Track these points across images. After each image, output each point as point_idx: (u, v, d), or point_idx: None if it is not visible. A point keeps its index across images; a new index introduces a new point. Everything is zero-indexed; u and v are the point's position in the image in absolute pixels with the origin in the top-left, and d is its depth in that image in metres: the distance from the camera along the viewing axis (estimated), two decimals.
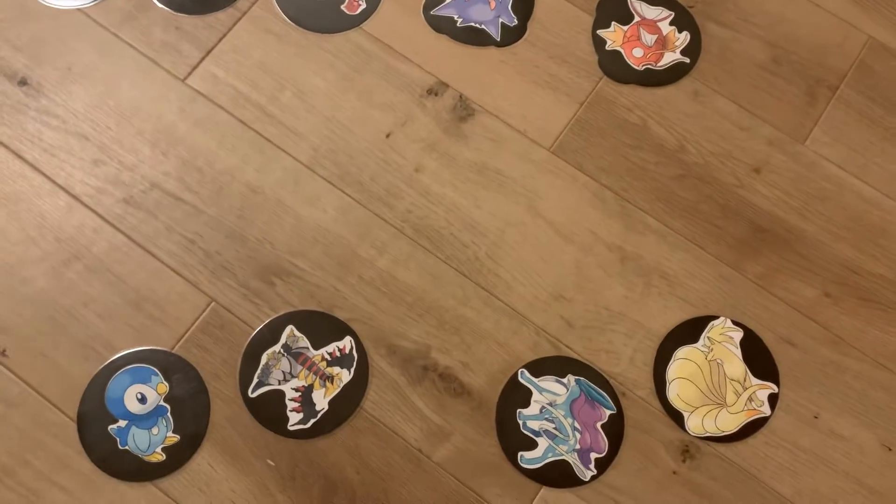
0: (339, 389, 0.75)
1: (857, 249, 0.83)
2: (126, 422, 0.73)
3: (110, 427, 0.73)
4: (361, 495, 0.73)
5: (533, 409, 0.75)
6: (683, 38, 0.90)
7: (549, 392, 0.76)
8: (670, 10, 0.91)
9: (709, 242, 0.82)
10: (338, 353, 0.76)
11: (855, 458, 0.75)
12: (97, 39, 0.87)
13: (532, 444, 0.74)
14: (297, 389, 0.75)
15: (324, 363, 0.76)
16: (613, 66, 0.88)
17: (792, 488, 0.74)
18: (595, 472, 0.74)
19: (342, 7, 0.89)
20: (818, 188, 0.85)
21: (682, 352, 0.78)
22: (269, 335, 0.76)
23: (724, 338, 0.78)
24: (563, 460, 0.74)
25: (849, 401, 0.77)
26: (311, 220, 0.81)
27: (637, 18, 0.91)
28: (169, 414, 0.74)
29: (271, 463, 0.73)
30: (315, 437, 0.74)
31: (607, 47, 0.89)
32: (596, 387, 0.76)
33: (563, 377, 0.76)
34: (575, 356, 0.77)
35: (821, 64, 0.90)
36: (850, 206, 0.84)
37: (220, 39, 0.87)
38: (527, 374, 0.76)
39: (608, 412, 0.75)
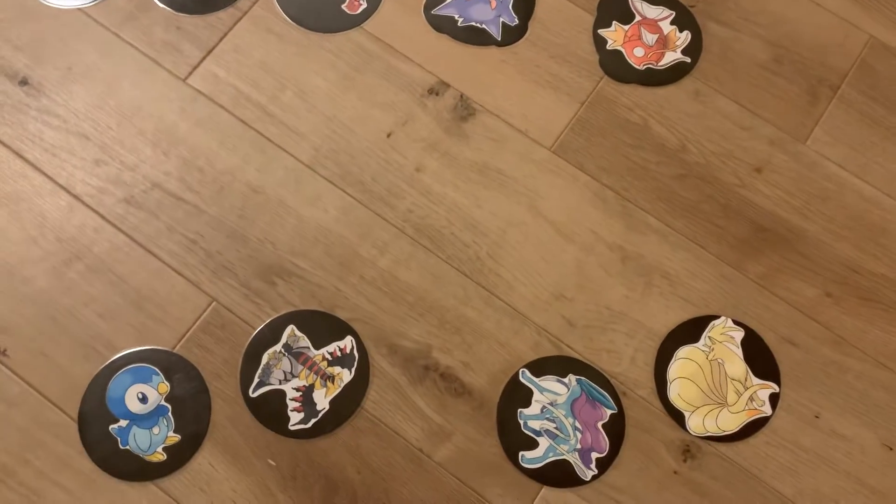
0: (339, 389, 0.75)
1: (858, 249, 0.83)
2: (127, 421, 0.73)
3: (111, 427, 0.73)
4: (362, 495, 0.73)
5: (534, 408, 0.75)
6: (684, 37, 0.90)
7: (550, 392, 0.76)
8: (671, 9, 0.91)
9: (710, 242, 0.82)
10: (339, 353, 0.76)
11: (856, 458, 0.75)
12: (98, 39, 0.87)
13: (533, 444, 0.74)
14: (297, 389, 0.75)
15: (325, 363, 0.76)
16: (614, 65, 0.88)
17: (793, 488, 0.74)
18: (596, 471, 0.74)
19: (343, 6, 0.89)
20: (819, 188, 0.85)
21: (683, 351, 0.78)
22: (270, 335, 0.76)
23: (725, 337, 0.78)
24: (564, 460, 0.74)
25: (850, 401, 0.77)
26: (312, 220, 0.81)
27: (638, 18, 0.91)
28: (170, 414, 0.74)
29: (272, 463, 0.73)
30: (316, 437, 0.74)
31: (608, 47, 0.89)
32: (597, 386, 0.76)
33: (564, 377, 0.76)
34: (576, 356, 0.77)
35: (822, 63, 0.90)
36: (852, 206, 0.84)
37: (221, 39, 0.87)
38: (528, 373, 0.76)
39: (609, 412, 0.75)
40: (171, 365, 0.75)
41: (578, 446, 0.74)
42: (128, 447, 0.73)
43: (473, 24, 0.89)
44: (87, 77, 0.85)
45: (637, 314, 0.79)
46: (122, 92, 0.85)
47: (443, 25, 0.89)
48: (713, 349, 0.78)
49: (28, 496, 0.71)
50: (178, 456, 0.73)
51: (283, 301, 0.78)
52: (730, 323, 0.79)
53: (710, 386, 0.77)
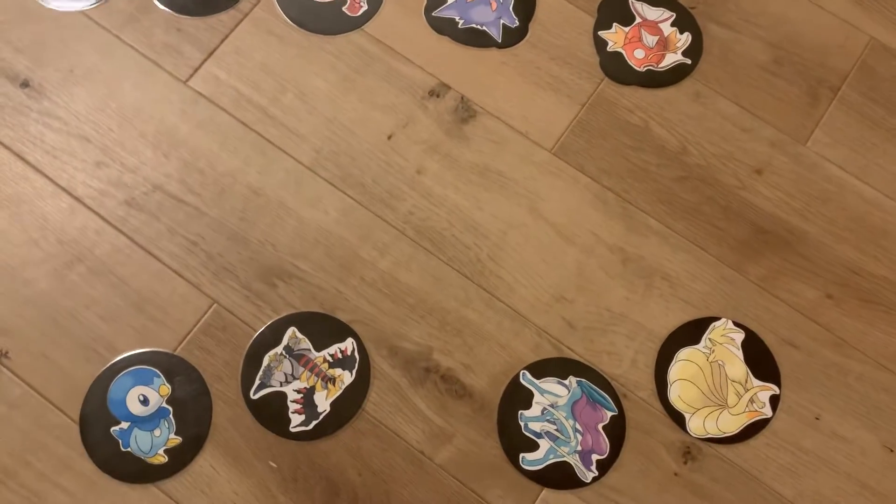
0: (340, 391, 0.75)
1: (858, 251, 0.83)
2: (128, 423, 0.73)
3: (112, 429, 0.73)
4: (363, 497, 0.73)
5: (534, 410, 0.75)
6: (685, 39, 0.90)
7: (551, 394, 0.76)
8: (672, 11, 0.91)
9: (710, 244, 0.82)
10: (339, 355, 0.76)
11: (857, 460, 0.75)
12: (99, 41, 0.87)
13: (533, 446, 0.74)
14: (298, 391, 0.75)
15: (325, 365, 0.76)
16: (615, 67, 0.88)
17: (793, 490, 0.74)
18: (596, 473, 0.74)
19: (344, 9, 0.89)
20: (820, 189, 0.85)
21: (684, 353, 0.78)
22: (271, 337, 0.77)
23: (725, 339, 0.78)
24: (565, 462, 0.74)
25: (851, 402, 0.77)
26: (312, 222, 0.81)
27: (638, 19, 0.91)
28: (171, 416, 0.74)
29: (273, 465, 0.73)
30: (317, 439, 0.74)
31: (609, 48, 0.89)
32: (597, 388, 0.76)
33: (565, 379, 0.76)
34: (576, 358, 0.77)
35: (822, 65, 0.90)
36: (852, 208, 0.84)
37: (222, 41, 0.87)
38: (528, 375, 0.76)
39: (609, 414, 0.75)
40: (172, 367, 0.75)
41: (579, 448, 0.74)
42: (129, 449, 0.73)
43: (474, 25, 0.89)
44: (88, 79, 0.85)
45: (637, 316, 0.79)
46: (123, 94, 0.85)
47: (443, 27, 0.89)
48: (714, 351, 0.78)
49: (29, 498, 0.71)
50: (180, 458, 0.73)
51: (284, 303, 0.78)
52: (730, 325, 0.79)
53: (711, 388, 0.77)
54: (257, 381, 0.75)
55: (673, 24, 0.90)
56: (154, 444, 0.73)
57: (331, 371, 0.76)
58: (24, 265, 0.78)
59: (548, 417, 0.75)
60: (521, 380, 0.76)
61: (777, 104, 0.88)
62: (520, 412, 0.75)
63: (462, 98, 0.86)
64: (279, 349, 0.76)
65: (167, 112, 0.84)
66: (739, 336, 0.78)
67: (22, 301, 0.77)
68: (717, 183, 0.84)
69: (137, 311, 0.77)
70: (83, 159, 0.82)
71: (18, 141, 0.82)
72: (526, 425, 0.75)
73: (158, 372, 0.75)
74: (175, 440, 0.73)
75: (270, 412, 0.74)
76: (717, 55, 0.90)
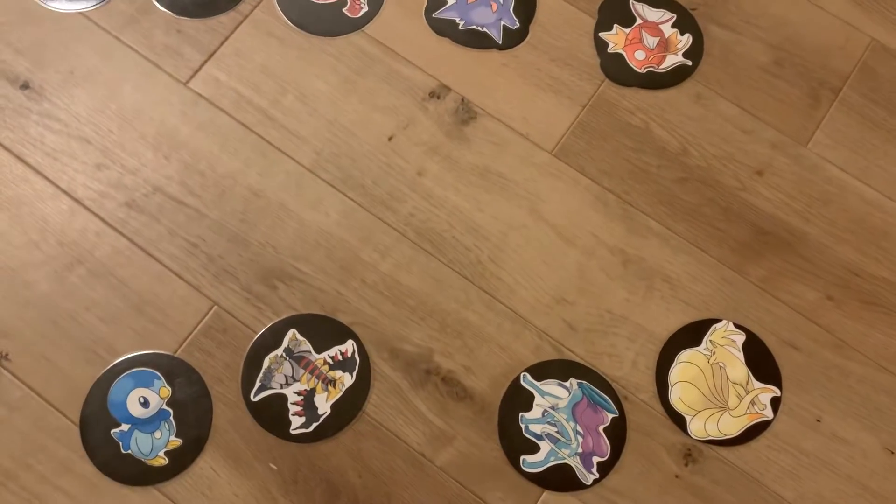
0: (341, 393, 0.75)
1: (859, 252, 0.83)
2: (129, 426, 0.73)
3: (113, 431, 0.73)
4: (364, 499, 0.73)
5: (535, 412, 0.75)
6: (686, 40, 0.90)
7: (552, 396, 0.76)
8: (672, 12, 0.91)
9: (711, 245, 0.82)
10: (340, 357, 0.76)
11: (858, 462, 0.75)
12: (99, 43, 0.87)
13: (534, 448, 0.74)
14: (299, 393, 0.75)
15: (326, 367, 0.76)
16: (615, 68, 0.88)
17: (794, 492, 0.74)
18: (597, 475, 0.74)
19: (344, 10, 0.89)
20: (821, 191, 0.85)
21: (685, 355, 0.78)
22: (272, 339, 0.76)
23: (726, 341, 0.78)
24: (566, 464, 0.74)
25: (852, 404, 0.77)
26: (313, 224, 0.81)
27: (639, 21, 0.91)
28: (171, 418, 0.74)
29: (274, 467, 0.73)
30: (317, 441, 0.74)
31: (609, 50, 0.89)
32: (598, 390, 0.76)
33: (566, 381, 0.76)
34: (577, 360, 0.77)
35: (823, 66, 0.90)
36: (853, 209, 0.84)
37: (223, 43, 0.87)
38: (529, 377, 0.76)
39: (610, 416, 0.75)
40: (172, 369, 0.75)
41: (580, 450, 0.74)
42: (129, 451, 0.73)
43: (474, 27, 0.89)
44: (89, 81, 0.85)
45: (638, 318, 0.79)
46: (124, 96, 0.85)
47: (444, 29, 0.89)
48: (714, 353, 0.78)
49: (30, 500, 0.71)
50: (180, 460, 0.73)
51: (285, 305, 0.78)
52: (731, 326, 0.79)
53: (712, 390, 0.77)
54: (258, 383, 0.75)
55: (674, 26, 0.90)
56: (154, 446, 0.73)
57: (331, 373, 0.76)
58: (24, 267, 0.78)
59: (548, 419, 0.75)
60: (522, 382, 0.76)
61: (778, 106, 0.88)
62: (520, 414, 0.75)
63: (462, 100, 0.86)
64: (280, 351, 0.76)
65: (167, 114, 0.84)
66: (740, 338, 0.78)
67: (22, 303, 0.77)
68: (717, 184, 0.84)
69: (138, 313, 0.77)
70: (83, 161, 0.82)
71: (19, 143, 0.82)
72: (526, 427, 0.75)
73: (159, 374, 0.75)
74: (175, 442, 0.73)
75: (271, 414, 0.74)
76: (717, 56, 0.90)
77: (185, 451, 0.73)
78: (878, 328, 0.80)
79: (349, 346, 0.76)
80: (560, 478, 0.73)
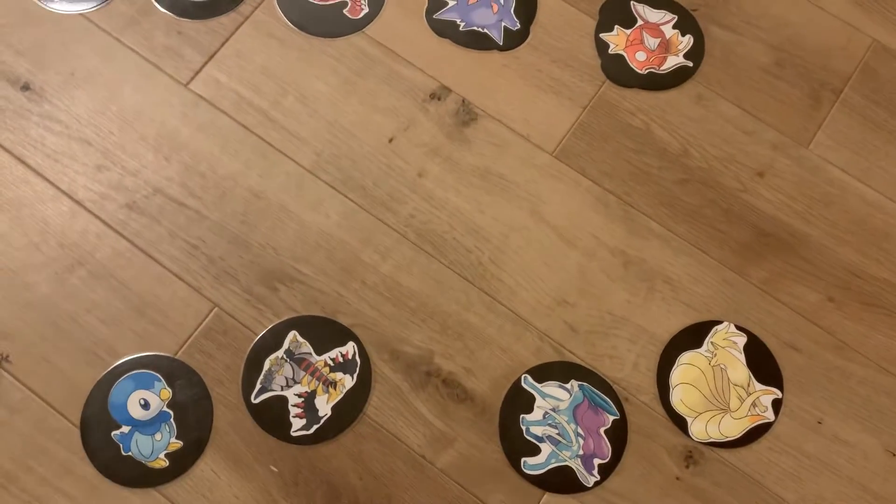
0: (341, 395, 0.75)
1: (860, 254, 0.83)
2: (129, 428, 0.73)
3: (113, 433, 0.73)
4: (364, 501, 0.73)
5: (536, 414, 0.75)
6: (687, 41, 0.90)
7: (553, 398, 0.76)
8: (673, 13, 0.91)
9: (712, 247, 0.82)
10: (340, 359, 0.76)
11: (859, 464, 0.75)
12: (100, 44, 0.87)
13: (535, 450, 0.74)
14: (299, 395, 0.75)
15: (327, 369, 0.76)
16: (616, 69, 0.88)
17: (796, 494, 0.74)
18: (598, 477, 0.74)
19: (345, 11, 0.89)
20: (822, 192, 0.85)
21: (686, 357, 0.78)
22: (272, 341, 0.76)
23: (727, 343, 0.78)
24: (567, 466, 0.74)
25: (853, 406, 0.77)
26: (314, 226, 0.81)
27: (640, 22, 0.90)
28: (172, 420, 0.74)
29: (274, 469, 0.73)
30: (318, 443, 0.74)
31: (610, 51, 0.89)
32: (599, 392, 0.76)
33: (567, 382, 0.76)
34: (578, 361, 0.77)
35: (825, 67, 0.90)
36: (854, 210, 0.84)
37: (223, 44, 0.87)
38: (530, 379, 0.76)
39: (611, 418, 0.75)
40: (173, 371, 0.75)
41: (581, 452, 0.74)
42: (130, 453, 0.73)
43: (475, 28, 0.89)
44: (89, 82, 0.85)
45: (639, 319, 0.79)
46: (124, 97, 0.85)
47: (445, 30, 0.89)
48: (715, 354, 0.78)
49: (30, 503, 0.71)
50: (181, 462, 0.73)
51: (285, 307, 0.78)
52: (732, 328, 0.79)
53: (713, 391, 0.76)
54: (258, 385, 0.75)
55: (675, 27, 0.90)
56: (155, 448, 0.73)
57: (332, 375, 0.75)
58: (24, 269, 0.78)
59: (549, 421, 0.75)
60: (523, 384, 0.76)
61: (779, 106, 0.88)
62: (521, 416, 0.75)
63: (463, 101, 0.86)
64: (280, 353, 0.76)
65: (168, 115, 0.84)
66: (741, 339, 0.78)
67: (23, 305, 0.77)
68: (718, 186, 0.84)
69: (138, 314, 0.77)
70: (84, 163, 0.82)
71: (19, 144, 0.82)
72: (527, 429, 0.75)
73: (159, 376, 0.75)
74: (176, 444, 0.73)
75: (271, 416, 0.74)
76: (718, 57, 0.89)
77: (186, 453, 0.73)
78: (879, 330, 0.80)
79: (350, 348, 0.76)
80: (561, 480, 0.73)
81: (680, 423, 0.75)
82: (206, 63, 0.86)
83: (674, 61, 0.89)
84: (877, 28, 0.92)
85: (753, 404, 0.76)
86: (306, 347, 0.76)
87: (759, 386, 0.77)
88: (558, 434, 0.75)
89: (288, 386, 0.75)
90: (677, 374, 0.77)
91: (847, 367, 0.78)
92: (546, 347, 0.78)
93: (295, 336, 0.76)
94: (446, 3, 0.90)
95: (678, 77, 0.88)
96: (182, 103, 0.85)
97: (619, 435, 0.75)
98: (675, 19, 0.91)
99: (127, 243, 0.79)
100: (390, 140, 0.84)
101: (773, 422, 0.76)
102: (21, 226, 0.79)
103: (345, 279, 0.79)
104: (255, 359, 0.76)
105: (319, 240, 0.80)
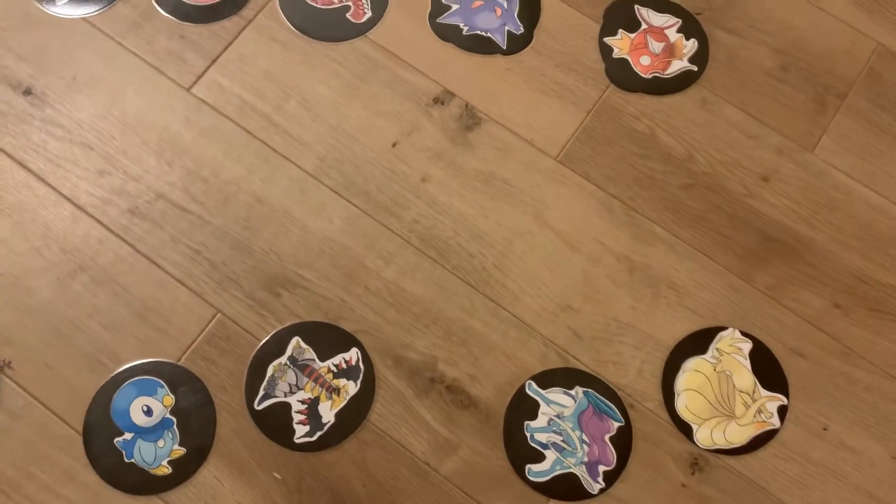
0: (345, 402, 0.75)
1: (866, 259, 0.82)
2: (132, 434, 0.73)
3: (116, 440, 0.73)
4: None
5: (541, 421, 0.75)
6: (691, 45, 0.89)
7: (557, 404, 0.75)
8: (677, 17, 0.90)
9: (717, 252, 0.82)
10: (344, 365, 0.76)
11: (865, 471, 0.75)
12: (102, 48, 0.86)
13: (540, 457, 0.74)
14: (303, 402, 0.74)
15: (330, 375, 0.75)
16: (620, 74, 0.88)
17: (802, 501, 0.74)
18: (603, 484, 0.73)
19: (348, 15, 0.89)
20: (827, 197, 0.84)
21: (691, 363, 0.77)
22: (276, 347, 0.76)
23: (732, 349, 0.78)
24: (572, 473, 0.73)
25: (859, 413, 0.77)
26: (317, 231, 0.80)
27: (644, 26, 0.90)
28: (175, 426, 0.73)
29: (278, 476, 0.73)
30: (321, 450, 0.73)
31: (614, 55, 0.89)
32: (604, 399, 0.76)
33: (571, 389, 0.76)
34: (583, 368, 0.77)
35: (829, 71, 0.89)
36: (859, 215, 0.84)
37: (226, 48, 0.87)
38: (534, 385, 0.76)
39: (616, 424, 0.75)
40: (175, 377, 0.75)
41: (586, 459, 0.74)
42: (133, 460, 0.72)
43: (479, 32, 0.89)
44: (91, 87, 0.85)
45: (644, 325, 0.79)
46: (126, 102, 0.84)
47: (448, 34, 0.88)
48: (721, 361, 0.77)
49: None
50: (184, 469, 0.72)
51: (289, 312, 0.77)
52: (737, 334, 0.78)
53: (718, 398, 0.76)
54: (261, 392, 0.75)
55: (679, 31, 0.90)
56: (158, 455, 0.72)
57: (335, 381, 0.75)
58: (26, 274, 0.78)
59: (554, 428, 0.75)
60: (527, 390, 0.76)
61: (784, 111, 0.87)
62: (526, 423, 0.75)
63: (467, 105, 0.86)
64: (283, 359, 0.76)
65: (170, 120, 0.84)
66: (747, 346, 0.78)
67: (25, 310, 0.77)
68: (723, 190, 0.84)
69: (141, 320, 0.77)
70: (86, 168, 0.82)
71: (21, 149, 0.82)
72: (532, 436, 0.74)
73: (162, 382, 0.75)
74: (179, 451, 0.73)
75: (275, 423, 0.74)
76: (723, 61, 0.89)
77: (189, 459, 0.72)
78: (885, 336, 0.79)
79: (353, 354, 0.76)
80: (566, 487, 0.73)
81: (685, 429, 0.75)
82: (208, 67, 0.86)
83: (678, 65, 0.88)
84: (881, 32, 0.91)
85: (759, 411, 0.76)
86: (310, 354, 0.76)
87: (764, 392, 0.76)
88: (563, 441, 0.74)
89: (291, 392, 0.75)
90: (682, 381, 0.76)
91: (853, 374, 0.78)
92: (550, 354, 0.77)
93: (298, 342, 0.76)
94: (449, 7, 0.90)
95: (683, 81, 0.88)
96: (184, 108, 0.84)
97: (624, 442, 0.74)
98: (680, 23, 0.90)
99: (129, 248, 0.79)
100: (394, 145, 0.84)
101: (779, 428, 0.76)
102: (23, 231, 0.79)
103: (348, 285, 0.79)
104: (259, 365, 0.75)
105: (322, 245, 0.80)
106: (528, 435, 0.74)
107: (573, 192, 0.83)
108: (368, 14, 0.89)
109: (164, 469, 0.72)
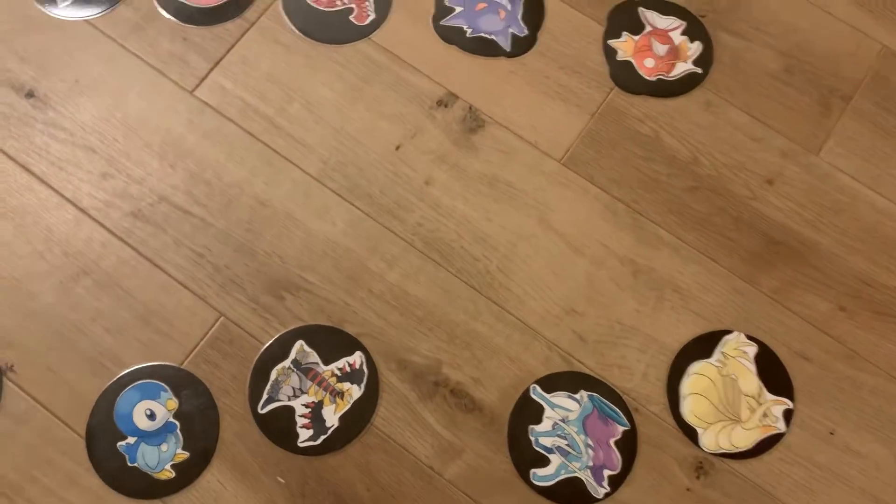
0: (349, 405, 0.74)
1: (871, 262, 0.82)
2: (135, 438, 0.73)
3: (119, 443, 0.72)
4: None
5: (545, 425, 0.74)
6: (695, 47, 0.89)
7: (562, 408, 0.75)
8: (682, 19, 0.90)
9: (722, 255, 0.81)
10: (348, 369, 0.75)
11: (871, 475, 0.75)
12: (104, 51, 0.86)
13: (544, 461, 0.73)
14: (306, 405, 0.74)
15: (334, 379, 0.75)
16: (625, 76, 0.88)
17: None
18: (608, 489, 0.73)
19: (351, 17, 0.88)
20: (832, 200, 0.84)
21: (696, 367, 0.77)
22: (279, 350, 0.76)
23: (738, 353, 0.77)
24: (576, 477, 0.73)
25: (865, 416, 0.76)
26: (320, 234, 0.80)
27: (648, 28, 0.90)
28: (178, 430, 0.73)
29: (281, 480, 0.72)
30: (325, 454, 0.73)
31: (618, 57, 0.88)
32: (609, 403, 0.75)
33: (576, 393, 0.76)
34: (587, 371, 0.77)
35: (834, 73, 0.89)
36: (864, 218, 0.84)
37: (229, 50, 0.87)
38: (539, 389, 0.76)
39: (621, 428, 0.75)
40: (179, 381, 0.75)
41: (590, 463, 0.73)
42: (136, 464, 0.72)
43: (482, 34, 0.88)
44: (94, 89, 0.84)
45: (649, 329, 0.78)
46: (129, 104, 0.84)
47: (452, 36, 0.88)
48: (726, 364, 0.77)
49: None
50: (187, 473, 0.72)
51: (292, 316, 0.77)
52: (743, 338, 0.78)
53: (724, 402, 0.76)
54: (265, 396, 0.74)
55: (683, 33, 0.90)
56: (161, 459, 0.72)
57: (339, 385, 0.75)
58: (29, 277, 0.77)
59: (559, 432, 0.74)
60: (532, 394, 0.75)
61: (788, 113, 0.87)
62: (530, 427, 0.74)
63: (470, 108, 0.86)
64: (287, 363, 0.75)
65: (173, 122, 0.83)
66: (752, 349, 0.78)
67: (27, 314, 0.76)
68: (728, 193, 0.84)
69: (144, 324, 0.76)
70: (89, 170, 0.81)
71: (23, 152, 0.82)
72: (536, 440, 0.74)
73: (165, 386, 0.74)
74: (182, 455, 0.72)
75: (278, 427, 0.73)
76: (727, 64, 0.89)
77: (192, 463, 0.72)
78: (890, 339, 0.79)
79: (357, 358, 0.76)
80: (571, 491, 0.73)
81: (690, 433, 0.75)
82: (211, 70, 0.86)
83: (683, 68, 0.88)
84: (886, 34, 0.91)
85: (764, 415, 0.75)
86: (313, 357, 0.76)
87: (769, 396, 0.76)
88: (568, 445, 0.74)
89: (295, 396, 0.74)
90: (687, 385, 0.76)
91: (858, 377, 0.78)
92: (555, 357, 0.77)
93: (302, 346, 0.76)
94: (453, 10, 0.89)
95: (687, 84, 0.88)
96: (187, 110, 0.84)
97: (629, 446, 0.74)
98: (684, 25, 0.90)
99: (132, 252, 0.79)
100: (397, 147, 0.84)
101: (785, 432, 0.75)
102: (25, 234, 0.79)
103: (351, 288, 0.78)
104: (262, 368, 0.75)
105: (326, 248, 0.80)
106: (532, 439, 0.74)
107: (577, 195, 0.83)
108: (372, 16, 0.89)
109: (168, 473, 0.72)
